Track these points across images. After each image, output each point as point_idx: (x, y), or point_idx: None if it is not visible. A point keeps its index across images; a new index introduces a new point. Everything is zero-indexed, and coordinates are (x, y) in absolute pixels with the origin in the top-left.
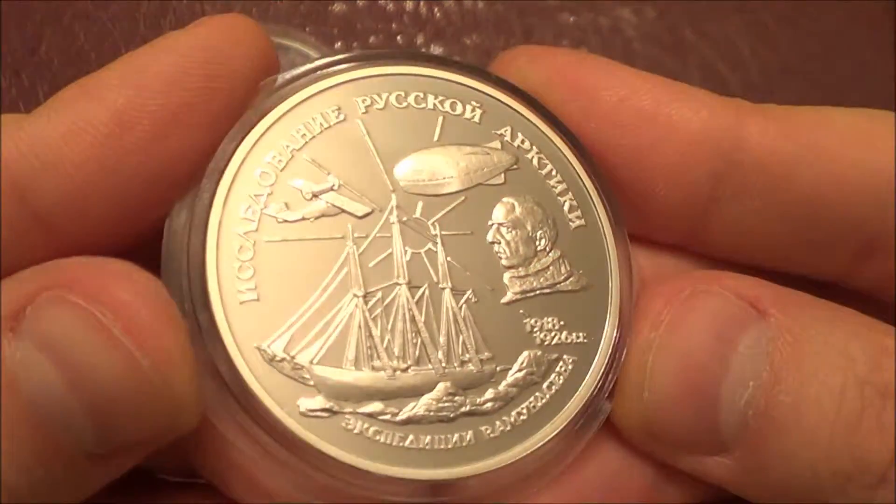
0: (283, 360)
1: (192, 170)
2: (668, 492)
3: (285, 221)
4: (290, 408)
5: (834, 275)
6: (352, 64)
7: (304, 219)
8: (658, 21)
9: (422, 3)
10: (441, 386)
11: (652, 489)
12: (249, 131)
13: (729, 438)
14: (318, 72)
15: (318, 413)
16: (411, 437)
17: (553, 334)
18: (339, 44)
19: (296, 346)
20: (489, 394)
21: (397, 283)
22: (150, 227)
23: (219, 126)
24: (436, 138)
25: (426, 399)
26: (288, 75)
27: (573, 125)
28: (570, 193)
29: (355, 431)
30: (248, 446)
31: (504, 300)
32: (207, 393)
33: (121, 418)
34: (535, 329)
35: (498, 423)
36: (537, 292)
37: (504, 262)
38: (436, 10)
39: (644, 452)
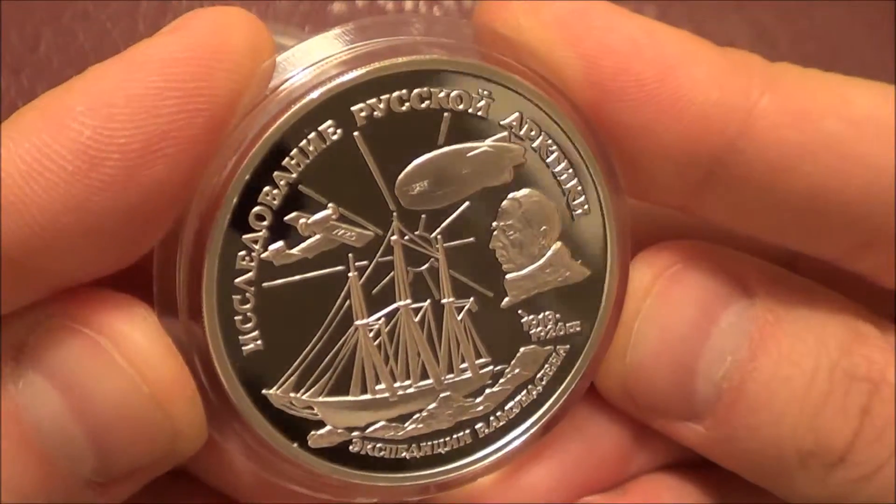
0: (290, 401)
1: (176, 196)
2: (643, 455)
3: (283, 264)
4: (301, 443)
5: (830, 258)
6: (351, 55)
7: (303, 257)
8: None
9: (421, 2)
10: (440, 398)
11: (628, 452)
12: (239, 162)
13: (702, 407)
14: (316, 66)
15: (327, 443)
16: (413, 446)
17: (549, 328)
18: None
19: (303, 385)
20: (484, 396)
21: (399, 306)
22: (137, 255)
23: (204, 145)
24: (441, 141)
25: (426, 412)
26: (286, 64)
27: (574, 90)
28: (575, 179)
29: (362, 453)
30: (261, 470)
31: (504, 304)
32: (224, 432)
33: (121, 445)
34: (533, 326)
35: (492, 419)
36: (536, 291)
37: (505, 265)
38: (435, 9)
39: (621, 417)
